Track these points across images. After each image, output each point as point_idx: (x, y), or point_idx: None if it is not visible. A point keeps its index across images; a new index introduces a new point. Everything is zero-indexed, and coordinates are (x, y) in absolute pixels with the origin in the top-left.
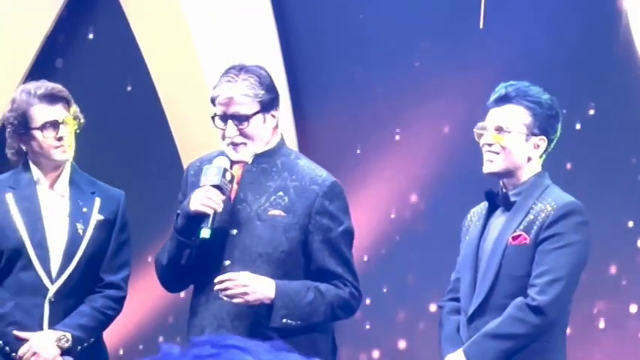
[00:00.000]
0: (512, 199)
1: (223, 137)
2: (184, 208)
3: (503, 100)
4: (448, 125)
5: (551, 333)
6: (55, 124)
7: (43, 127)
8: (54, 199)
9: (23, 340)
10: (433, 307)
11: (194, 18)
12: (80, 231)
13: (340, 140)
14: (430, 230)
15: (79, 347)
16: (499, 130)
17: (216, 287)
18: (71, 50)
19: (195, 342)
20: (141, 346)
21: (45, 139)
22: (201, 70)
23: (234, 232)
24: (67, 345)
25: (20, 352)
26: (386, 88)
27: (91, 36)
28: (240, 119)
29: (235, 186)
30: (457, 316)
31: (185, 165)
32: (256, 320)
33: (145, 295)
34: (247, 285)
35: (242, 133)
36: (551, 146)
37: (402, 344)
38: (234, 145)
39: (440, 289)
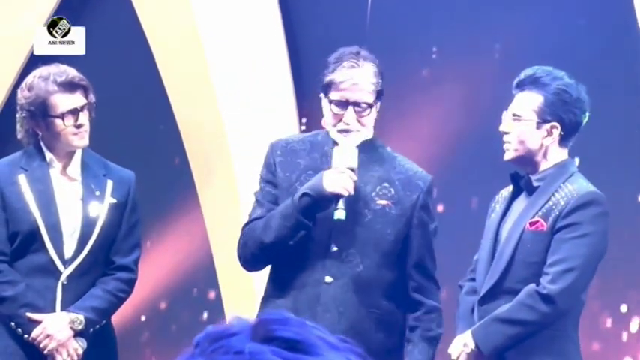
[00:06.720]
0: (535, 184)
1: (335, 122)
2: (316, 188)
3: (519, 86)
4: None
5: (560, 321)
6: (75, 112)
7: (63, 116)
8: (66, 183)
9: (36, 322)
10: None
11: (201, 12)
12: (94, 215)
13: None
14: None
15: (92, 329)
16: (514, 117)
17: None
18: None
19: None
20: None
21: (65, 127)
22: (206, 62)
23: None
24: (80, 327)
25: (34, 333)
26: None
27: (95, 23)
28: (362, 106)
29: None
30: (473, 296)
31: (190, 155)
32: (360, 310)
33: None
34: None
35: (360, 121)
36: (573, 133)
37: None
38: (347, 132)
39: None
